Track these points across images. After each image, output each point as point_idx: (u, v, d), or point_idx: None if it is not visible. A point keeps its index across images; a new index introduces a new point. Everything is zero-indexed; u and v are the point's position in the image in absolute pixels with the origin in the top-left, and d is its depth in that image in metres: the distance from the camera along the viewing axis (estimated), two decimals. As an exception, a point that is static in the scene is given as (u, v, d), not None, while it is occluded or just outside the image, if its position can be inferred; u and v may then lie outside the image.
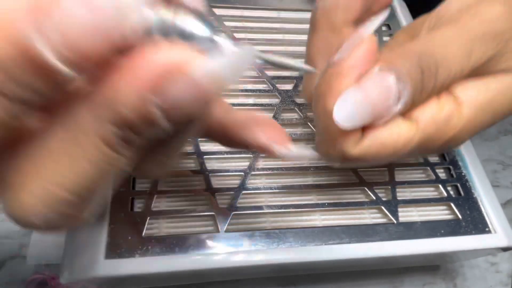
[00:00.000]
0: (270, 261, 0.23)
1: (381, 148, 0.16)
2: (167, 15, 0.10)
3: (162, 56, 0.09)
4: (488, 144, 0.44)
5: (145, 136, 0.10)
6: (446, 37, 0.17)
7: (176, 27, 0.10)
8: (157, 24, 0.09)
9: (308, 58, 0.22)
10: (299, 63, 0.16)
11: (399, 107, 0.16)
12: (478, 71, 0.17)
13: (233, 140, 0.17)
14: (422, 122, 0.17)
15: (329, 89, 0.16)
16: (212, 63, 0.09)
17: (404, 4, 0.36)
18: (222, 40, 0.11)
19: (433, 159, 0.29)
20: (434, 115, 0.17)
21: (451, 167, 0.28)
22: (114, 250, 0.22)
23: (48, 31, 0.07)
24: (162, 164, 0.14)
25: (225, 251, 0.22)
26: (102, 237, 0.22)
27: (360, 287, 0.33)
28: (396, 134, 0.16)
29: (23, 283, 0.30)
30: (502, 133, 0.45)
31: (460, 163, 0.28)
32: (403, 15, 0.35)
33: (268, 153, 0.17)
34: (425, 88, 0.16)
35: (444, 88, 0.17)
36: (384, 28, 0.34)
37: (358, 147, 0.16)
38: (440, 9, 0.19)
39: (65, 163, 0.10)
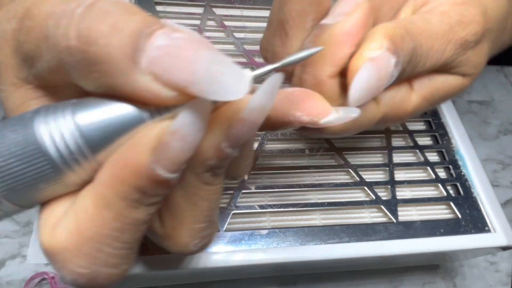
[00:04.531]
0: (270, 261, 0.23)
1: (351, 121, 0.18)
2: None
3: (228, 113, 0.13)
4: (488, 144, 0.44)
5: (226, 165, 0.14)
6: (433, 32, 0.18)
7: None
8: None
9: (279, 22, 0.21)
10: (306, 51, 0.16)
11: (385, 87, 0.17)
12: (439, 69, 0.19)
13: (276, 127, 0.17)
14: (382, 103, 0.19)
15: (324, 56, 0.17)
16: (253, 100, 0.12)
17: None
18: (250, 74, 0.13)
19: (433, 158, 0.29)
20: (392, 98, 0.19)
21: (450, 166, 0.28)
22: (114, 250, 0.22)
23: (161, 160, 0.12)
24: (240, 169, 0.17)
25: (225, 250, 0.22)
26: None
27: (360, 287, 0.33)
28: (364, 111, 0.18)
29: (23, 283, 0.30)
30: (502, 133, 0.45)
31: (459, 163, 0.28)
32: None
33: (315, 126, 0.17)
34: (403, 75, 0.18)
35: (413, 76, 0.19)
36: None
37: (335, 114, 0.17)
38: None
39: (193, 208, 0.15)
